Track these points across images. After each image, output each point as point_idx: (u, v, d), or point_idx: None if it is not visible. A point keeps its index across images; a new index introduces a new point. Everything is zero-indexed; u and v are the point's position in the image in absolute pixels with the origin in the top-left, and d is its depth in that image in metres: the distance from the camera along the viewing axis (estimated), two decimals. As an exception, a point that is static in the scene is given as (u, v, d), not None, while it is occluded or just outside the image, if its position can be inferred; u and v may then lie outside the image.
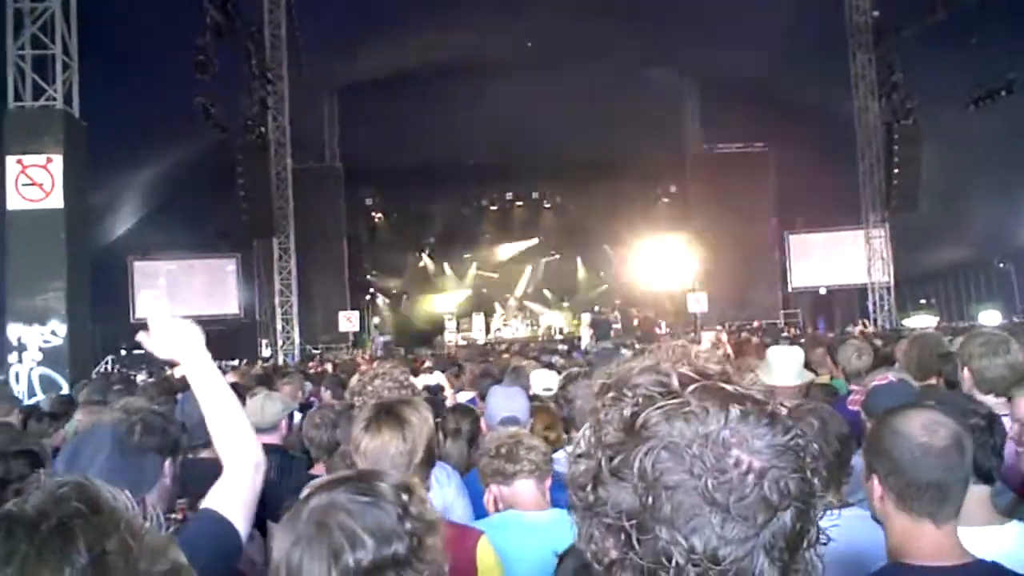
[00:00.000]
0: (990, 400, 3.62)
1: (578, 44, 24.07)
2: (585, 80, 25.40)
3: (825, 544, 1.03)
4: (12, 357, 12.79)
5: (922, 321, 24.25)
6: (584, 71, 25.24)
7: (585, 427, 1.09)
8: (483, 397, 5.34)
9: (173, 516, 2.86)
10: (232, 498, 2.16)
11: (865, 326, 21.42)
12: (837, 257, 27.01)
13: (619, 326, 28.24)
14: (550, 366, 8.74)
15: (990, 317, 23.96)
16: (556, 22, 22.75)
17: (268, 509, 3.73)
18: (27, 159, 12.98)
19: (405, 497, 1.62)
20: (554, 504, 3.09)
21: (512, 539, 2.82)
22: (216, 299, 26.39)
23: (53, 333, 12.78)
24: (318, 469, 4.24)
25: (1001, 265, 27.15)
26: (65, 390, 11.11)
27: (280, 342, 23.55)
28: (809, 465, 1.00)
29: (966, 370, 3.84)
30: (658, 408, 1.00)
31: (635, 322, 29.18)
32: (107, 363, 20.23)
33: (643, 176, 30.41)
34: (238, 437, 2.24)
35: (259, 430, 4.35)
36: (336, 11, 21.59)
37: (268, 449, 4.45)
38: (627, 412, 1.03)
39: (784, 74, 23.16)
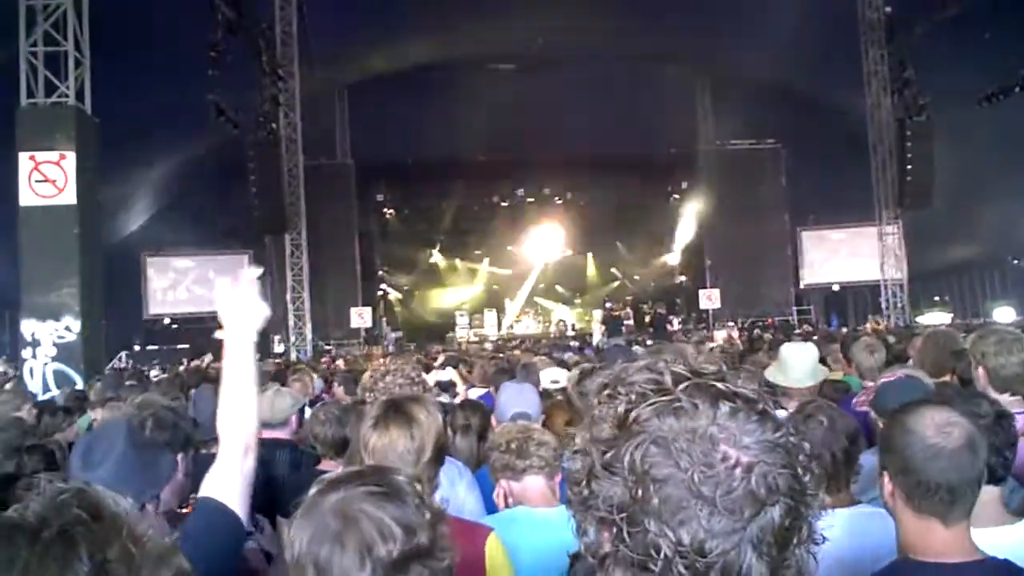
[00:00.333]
0: (1004, 398, 3.60)
1: (589, 40, 24.02)
2: (596, 76, 25.35)
3: (820, 544, 1.04)
4: (26, 353, 12.89)
5: (936, 318, 24.13)
6: (595, 67, 25.20)
7: (582, 424, 1.11)
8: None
9: (184, 512, 2.88)
10: (227, 484, 2.16)
11: (878, 323, 21.33)
12: (850, 254, 26.91)
13: (631, 322, 28.18)
14: (562, 363, 8.75)
15: (1004, 314, 23.85)
16: (567, 18, 22.69)
17: (278, 504, 3.75)
18: (40, 156, 13.06)
19: (419, 488, 1.64)
20: (564, 500, 3.09)
21: (521, 535, 2.81)
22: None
23: (67, 329, 12.87)
24: (325, 465, 4.24)
25: (1015, 262, 27.00)
26: (79, 385, 11.18)
27: (292, 338, 23.61)
28: (801, 463, 1.02)
29: (980, 368, 3.81)
30: (650, 404, 1.03)
31: (647, 319, 29.12)
32: (120, 359, 20.32)
33: (654, 172, 30.38)
34: (240, 418, 2.23)
35: (269, 425, 4.38)
36: (347, 8, 21.61)
37: (278, 444, 4.51)
38: (621, 409, 1.05)
39: (796, 70, 23.06)
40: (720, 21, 22.06)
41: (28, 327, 12.89)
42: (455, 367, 8.66)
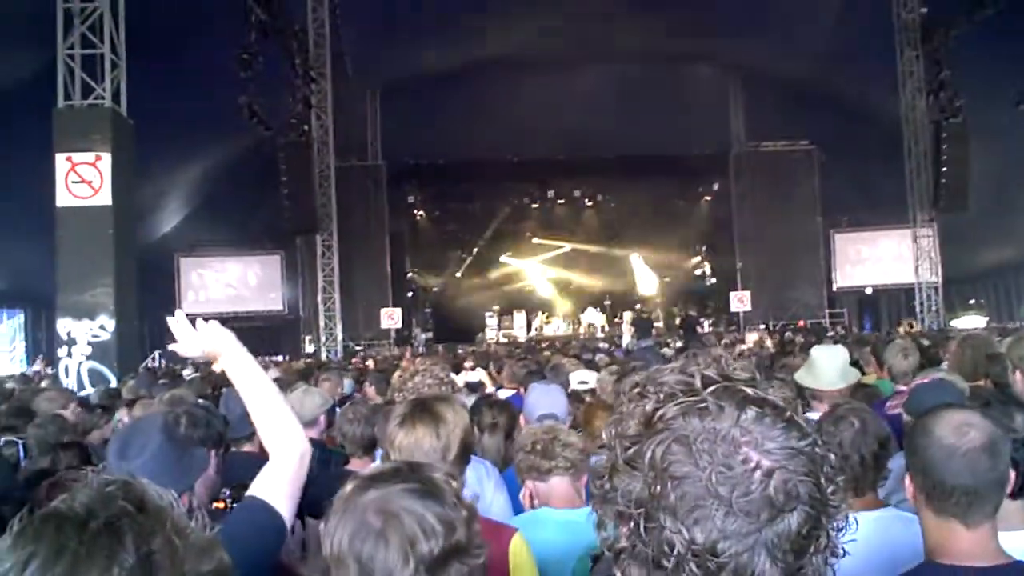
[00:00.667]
0: (1042, 402, 3.55)
1: (622, 41, 23.98)
2: (629, 77, 25.32)
3: (840, 556, 1.04)
4: (62, 351, 13.04)
5: (971, 322, 23.87)
6: (627, 68, 25.16)
7: (610, 421, 1.12)
8: (528, 394, 5.35)
9: (215, 507, 2.91)
10: (278, 486, 2.20)
11: (912, 326, 21.11)
12: (883, 257, 26.67)
13: (661, 324, 28.09)
14: (591, 364, 8.74)
15: (1041, 318, 23.55)
16: (600, 19, 22.68)
17: (307, 503, 3.77)
18: (76, 157, 13.20)
19: (455, 485, 1.67)
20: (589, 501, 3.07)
21: (546, 536, 2.82)
22: (261, 296, 26.72)
23: (102, 328, 13.01)
24: (354, 464, 4.27)
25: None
26: (113, 384, 11.31)
27: (323, 338, 23.75)
28: (825, 473, 1.02)
29: (1018, 372, 3.76)
30: (677, 404, 1.03)
31: (677, 321, 29.01)
32: (154, 358, 20.55)
33: (686, 174, 30.26)
34: (282, 426, 2.27)
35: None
36: (379, 10, 21.73)
37: (308, 443, 4.53)
38: (649, 407, 1.06)
39: (830, 71, 22.90)
40: (753, 21, 21.95)
41: (64, 326, 13.05)
42: (484, 368, 8.68)
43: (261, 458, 2.33)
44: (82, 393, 10.16)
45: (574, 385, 6.30)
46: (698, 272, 33.46)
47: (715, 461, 0.98)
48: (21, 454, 4.97)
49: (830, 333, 19.15)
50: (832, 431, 2.79)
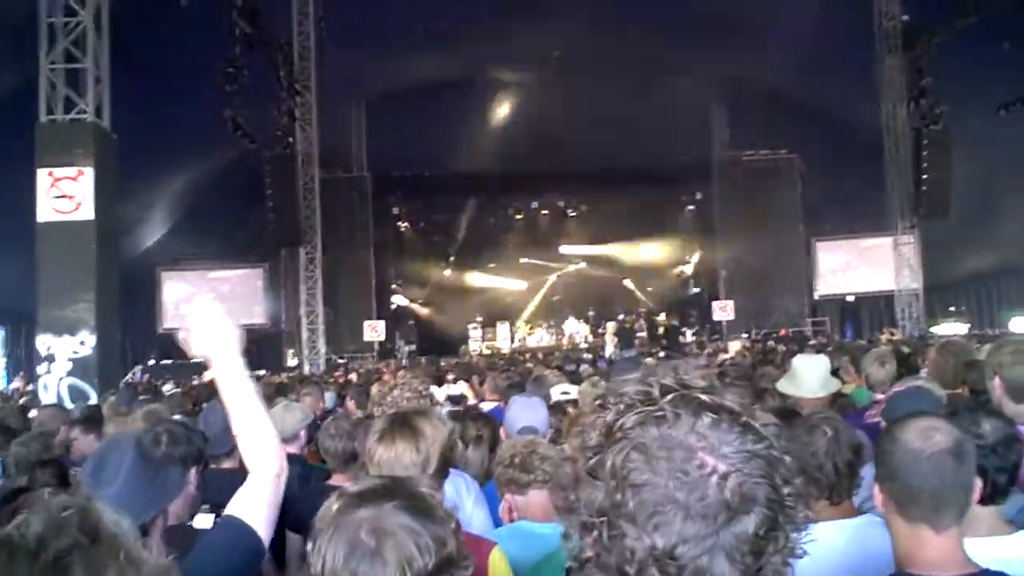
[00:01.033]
0: (1021, 409, 3.58)
1: (604, 52, 24.06)
2: (611, 87, 25.39)
3: (800, 556, 1.06)
4: (41, 368, 12.96)
5: (952, 328, 23.98)
6: (610, 78, 25.23)
7: (573, 434, 1.15)
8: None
9: (193, 525, 2.91)
10: (255, 505, 2.19)
11: (892, 334, 21.21)
12: (865, 264, 26.75)
13: (644, 335, 28.13)
14: (574, 375, 8.76)
15: (1021, 324, 23.68)
16: (582, 30, 22.77)
17: (288, 519, 3.76)
18: (58, 171, 13.16)
19: (439, 498, 1.70)
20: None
21: (524, 550, 2.83)
22: (243, 309, 26.56)
23: (82, 344, 12.94)
24: (336, 479, 4.26)
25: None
26: (93, 400, 11.24)
27: (306, 352, 23.67)
28: (781, 475, 1.04)
29: (997, 379, 3.79)
30: (636, 413, 1.06)
31: (660, 331, 29.06)
32: (135, 373, 20.42)
33: (669, 183, 30.34)
34: (262, 443, 2.27)
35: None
36: (364, 23, 21.74)
37: (288, 459, 4.51)
38: (609, 418, 1.08)
39: (811, 80, 23.02)
40: (735, 31, 22.06)
41: (43, 342, 12.97)
42: (467, 380, 8.68)
43: (241, 474, 2.32)
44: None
45: (556, 397, 6.31)
46: (681, 281, 33.55)
47: (672, 467, 1.00)
48: (-1, 471, 4.95)
49: (811, 342, 19.21)
50: (807, 440, 2.82)
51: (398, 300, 32.29)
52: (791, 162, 28.02)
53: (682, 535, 0.99)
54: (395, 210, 31.40)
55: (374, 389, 6.18)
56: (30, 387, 14.04)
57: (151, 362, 22.58)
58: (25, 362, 20.02)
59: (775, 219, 27.51)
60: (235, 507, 2.19)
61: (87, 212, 13.14)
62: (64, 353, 12.90)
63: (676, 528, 0.99)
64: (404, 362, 24.73)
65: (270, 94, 20.00)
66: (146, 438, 2.88)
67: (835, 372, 5.70)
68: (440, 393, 7.23)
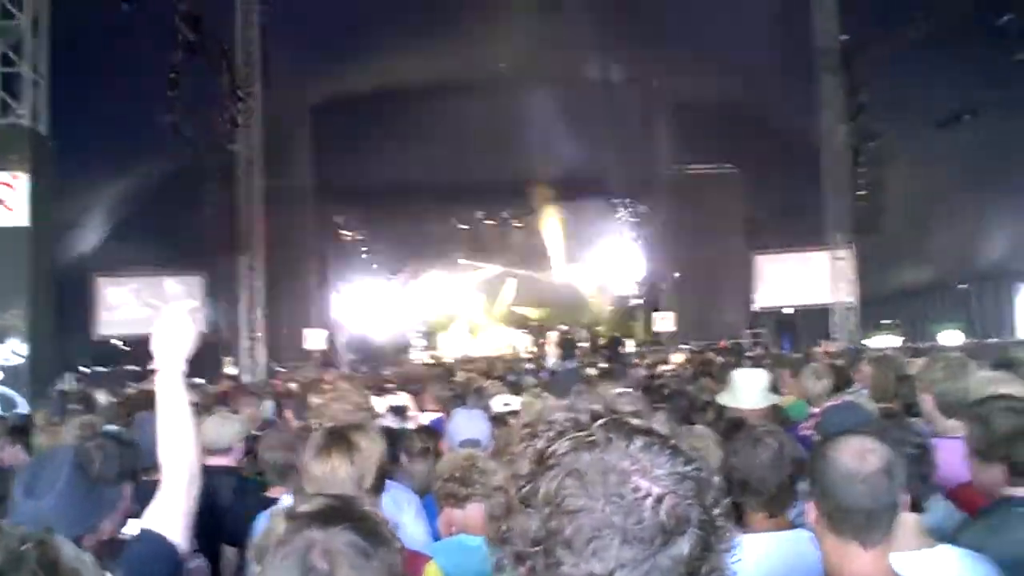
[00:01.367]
0: (950, 424, 3.68)
1: (550, 65, 24.20)
2: (556, 100, 25.54)
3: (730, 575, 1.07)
4: (-31, 377, 12.61)
5: (886, 341, 24.50)
6: (555, 92, 25.37)
7: (503, 463, 1.13)
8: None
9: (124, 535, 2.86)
10: (169, 515, 2.18)
11: (826, 346, 21.57)
12: (803, 277, 27.14)
13: (586, 345, 28.27)
14: (515, 386, 8.77)
15: (951, 337, 24.27)
16: (528, 43, 22.86)
17: (223, 533, 3.71)
18: (-8, 177, 12.86)
19: (382, 515, 1.68)
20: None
21: (462, 564, 2.82)
22: (182, 317, 26.11)
23: (13, 352, 12.63)
24: (274, 492, 4.21)
25: (962, 287, 27.50)
26: (24, 410, 10.95)
27: (245, 360, 23.35)
28: (711, 496, 1.05)
29: (928, 395, 3.89)
30: (567, 440, 1.05)
31: (601, 341, 29.22)
32: (67, 381, 19.94)
33: (612, 196, 30.56)
34: (180, 453, 2.25)
35: (214, 451, 4.34)
36: (310, 30, 21.58)
37: (222, 471, 4.47)
38: (540, 446, 1.08)
39: (753, 95, 23.39)
40: (678, 46, 22.32)
41: (-28, 350, 12.67)
42: (408, 391, 8.64)
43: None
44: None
45: (498, 408, 6.32)
46: (623, 292, 33.76)
47: (608, 491, 1.00)
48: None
49: (749, 353, 19.49)
50: (752, 452, 2.86)
51: (339, 309, 32.00)
52: (733, 176, 28.39)
53: (620, 560, 0.98)
54: (338, 219, 31.15)
55: (313, 399, 6.12)
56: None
57: (84, 369, 22.08)
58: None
59: (717, 232, 27.83)
60: (150, 519, 2.18)
61: (21, 218, 12.84)
62: (-5, 361, 12.59)
63: (614, 553, 0.98)
64: (345, 371, 24.50)
65: (212, 100, 19.74)
66: (82, 453, 2.82)
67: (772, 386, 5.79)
68: (381, 404, 7.18)
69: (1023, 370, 4.78)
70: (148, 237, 25.76)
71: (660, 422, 1.11)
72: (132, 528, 3.09)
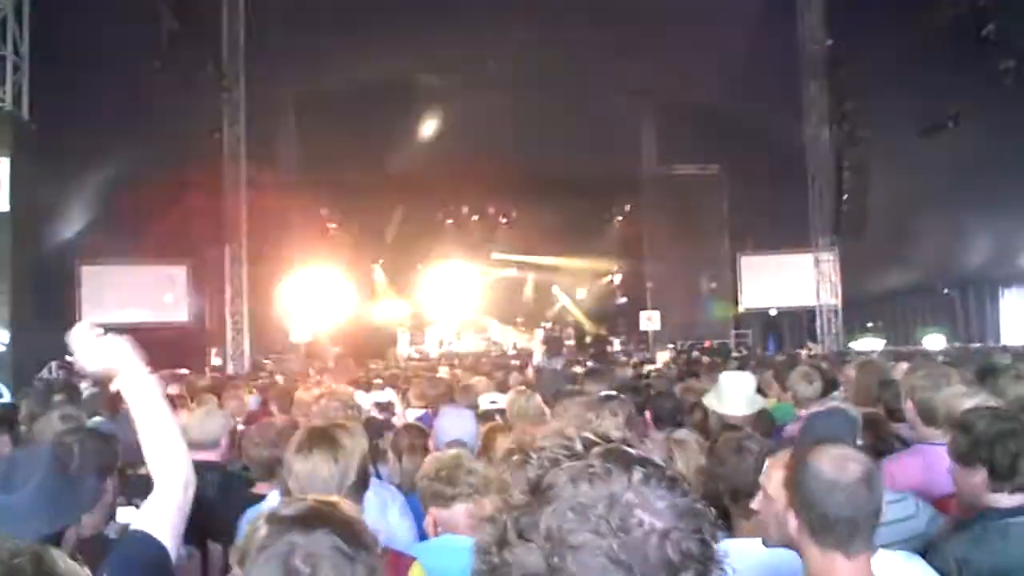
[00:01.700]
0: (930, 431, 3.70)
1: (537, 63, 24.19)
2: (543, 98, 25.51)
3: None
4: (-51, 366, 12.53)
5: (869, 344, 24.64)
6: (542, 89, 25.35)
7: (490, 490, 1.11)
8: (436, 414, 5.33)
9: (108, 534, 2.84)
10: (161, 517, 2.16)
11: (811, 348, 21.69)
12: (787, 279, 27.30)
13: (572, 343, 28.32)
14: (502, 383, 8.76)
15: (935, 341, 24.43)
16: (516, 41, 22.85)
17: (208, 528, 3.68)
18: (-27, 161, 12.76)
19: (363, 519, 1.68)
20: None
21: (448, 564, 2.81)
22: (165, 306, 26.02)
23: (-6, 339, 12.56)
24: (260, 488, 4.20)
25: (946, 291, 27.70)
26: (7, 398, 10.87)
27: (230, 351, 23.27)
28: (708, 528, 1.03)
29: (910, 401, 3.91)
30: (564, 470, 1.03)
31: (588, 339, 29.27)
32: (50, 369, 19.82)
33: (598, 194, 30.58)
34: (168, 453, 2.23)
35: (198, 446, 4.31)
36: (296, 21, 21.46)
37: (207, 466, 4.43)
38: (532, 474, 1.05)
39: (739, 98, 23.42)
40: (666, 48, 22.36)
41: (-47, 338, 12.57)
42: (394, 387, 8.63)
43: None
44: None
45: (485, 406, 6.32)
46: (609, 291, 33.83)
47: (613, 527, 0.97)
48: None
49: (734, 354, 19.55)
50: (734, 460, 2.87)
51: (326, 301, 31.89)
52: (718, 177, 28.51)
53: None
54: (323, 211, 31.03)
55: (298, 393, 6.08)
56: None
57: (68, 357, 21.95)
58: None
59: (701, 232, 28.00)
60: (142, 519, 2.17)
61: (2, 203, 12.75)
62: (-26, 350, 12.51)
63: None
64: (331, 364, 24.45)
65: (197, 89, 19.62)
66: (61, 447, 2.80)
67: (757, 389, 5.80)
68: (367, 399, 7.17)
69: (1006, 377, 4.80)
70: (132, 225, 25.60)
71: (619, 426, 1.09)
72: (124, 516, 3.08)
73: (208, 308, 26.27)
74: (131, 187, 24.59)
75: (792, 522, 2.18)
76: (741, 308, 28.36)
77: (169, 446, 2.24)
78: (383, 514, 3.43)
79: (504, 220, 32.73)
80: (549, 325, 29.84)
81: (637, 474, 1.02)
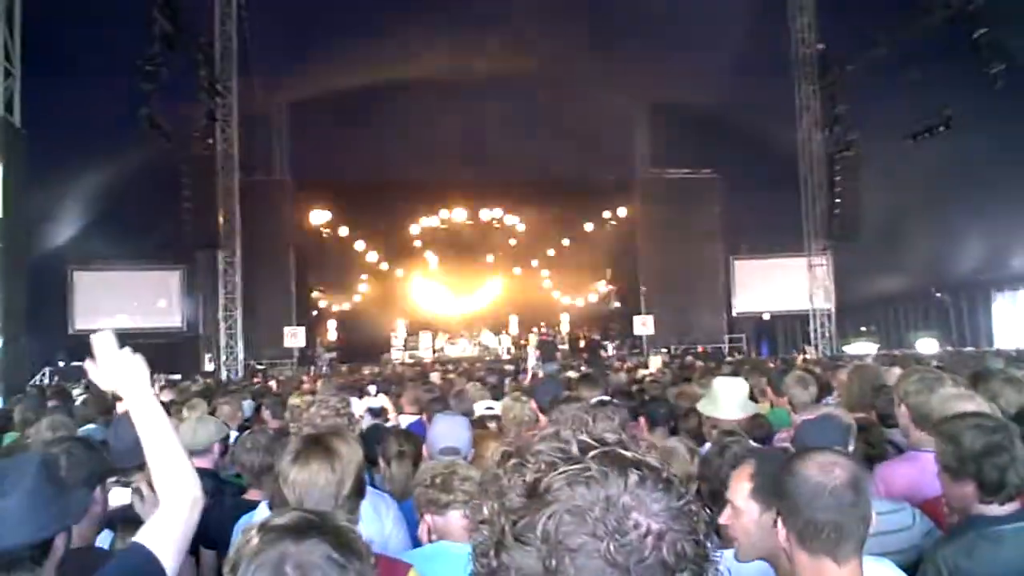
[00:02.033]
0: (923, 436, 3.69)
1: (532, 67, 24.22)
2: (538, 102, 25.55)
3: None
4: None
5: (862, 348, 24.65)
6: (537, 93, 25.39)
7: (487, 494, 1.10)
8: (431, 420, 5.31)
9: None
10: (165, 534, 2.14)
11: (805, 352, 21.71)
12: (781, 283, 27.34)
13: (566, 347, 28.31)
14: (496, 388, 8.75)
15: (927, 345, 24.45)
16: (511, 45, 22.87)
17: (201, 535, 3.66)
18: (-36, 168, 12.73)
19: (356, 529, 1.66)
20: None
21: (443, 571, 2.80)
22: (158, 312, 26.00)
23: (-14, 345, 12.52)
24: (252, 494, 4.18)
25: (939, 295, 27.74)
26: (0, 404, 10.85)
27: (224, 357, 23.21)
28: (702, 529, 1.04)
29: (903, 406, 3.90)
30: (561, 473, 1.03)
31: (581, 344, 29.27)
32: (43, 375, 19.78)
33: (592, 198, 30.64)
34: (176, 473, 2.22)
35: (191, 453, 4.29)
36: (288, 25, 21.48)
37: (199, 473, 4.40)
38: (529, 477, 1.05)
39: (733, 102, 23.48)
40: (661, 52, 22.39)
41: (-55, 343, 12.52)
42: (387, 392, 8.60)
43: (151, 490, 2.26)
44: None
45: (480, 412, 6.30)
46: (603, 295, 33.86)
47: (610, 530, 0.98)
48: None
49: (728, 359, 19.58)
50: (718, 463, 2.87)
51: (319, 306, 31.90)
52: (712, 181, 28.56)
53: None
54: (316, 216, 31.03)
55: (292, 400, 6.06)
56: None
57: (60, 363, 21.90)
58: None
59: (695, 236, 28.02)
60: (146, 535, 2.14)
61: (-6, 209, 12.72)
62: (-35, 356, 12.45)
63: None
64: (325, 369, 24.41)
65: (190, 94, 19.62)
66: (49, 456, 2.78)
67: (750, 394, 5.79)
68: (360, 405, 7.14)
69: (998, 381, 4.80)
70: (124, 231, 25.57)
71: (651, 454, 1.09)
72: (117, 498, 3.07)
73: (201, 314, 26.24)
74: (123, 193, 24.57)
75: (781, 531, 2.18)
76: (734, 312, 28.39)
77: (176, 465, 2.23)
78: (378, 521, 3.42)
79: (497, 224, 32.73)
80: (543, 329, 29.82)
81: (633, 477, 1.02)
